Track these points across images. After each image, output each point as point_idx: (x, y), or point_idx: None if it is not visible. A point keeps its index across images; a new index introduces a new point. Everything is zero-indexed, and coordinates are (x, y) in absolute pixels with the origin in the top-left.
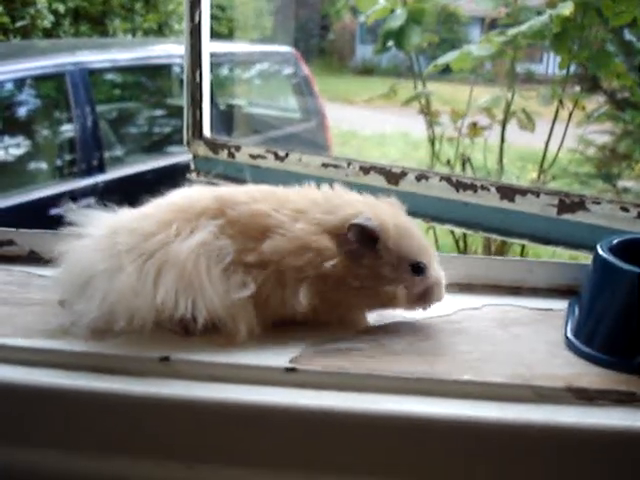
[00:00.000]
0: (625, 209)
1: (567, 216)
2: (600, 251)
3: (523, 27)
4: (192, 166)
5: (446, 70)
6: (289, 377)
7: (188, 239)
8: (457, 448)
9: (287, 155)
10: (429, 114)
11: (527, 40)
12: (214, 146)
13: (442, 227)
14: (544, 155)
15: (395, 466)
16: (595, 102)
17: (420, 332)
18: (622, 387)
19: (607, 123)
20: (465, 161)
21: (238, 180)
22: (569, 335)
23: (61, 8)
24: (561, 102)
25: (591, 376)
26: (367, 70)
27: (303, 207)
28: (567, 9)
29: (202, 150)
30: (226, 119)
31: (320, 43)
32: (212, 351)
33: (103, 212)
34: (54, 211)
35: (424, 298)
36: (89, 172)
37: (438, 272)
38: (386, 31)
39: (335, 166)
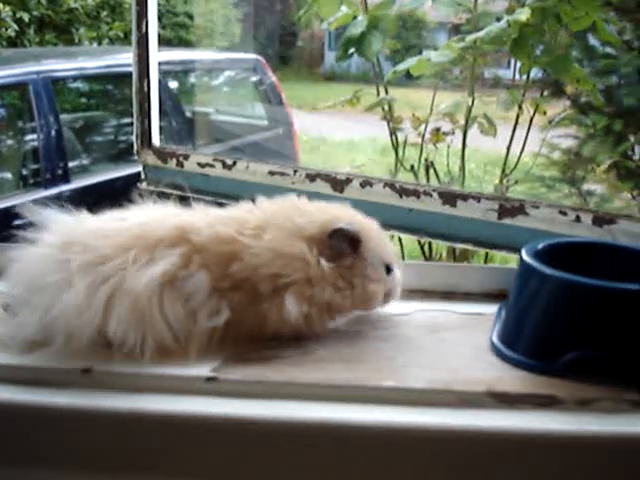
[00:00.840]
0: (563, 213)
1: (507, 220)
2: (524, 255)
3: (481, 33)
4: (142, 175)
5: (414, 77)
6: (210, 386)
7: (145, 270)
8: (378, 454)
9: (235, 163)
10: (392, 120)
11: (486, 46)
12: (163, 155)
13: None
14: (506, 159)
15: (315, 472)
16: (562, 106)
17: (346, 339)
18: (542, 390)
19: (573, 127)
20: (429, 167)
21: (188, 189)
22: (494, 339)
23: (25, 17)
24: (520, 107)
25: (513, 380)
26: (336, 77)
27: (264, 222)
28: (524, 15)
29: (151, 159)
30: (193, 127)
31: (289, 50)
32: (134, 362)
33: (62, 215)
34: (18, 222)
35: (389, 296)
36: (53, 182)
37: (398, 271)
38: (347, 38)
39: (282, 174)
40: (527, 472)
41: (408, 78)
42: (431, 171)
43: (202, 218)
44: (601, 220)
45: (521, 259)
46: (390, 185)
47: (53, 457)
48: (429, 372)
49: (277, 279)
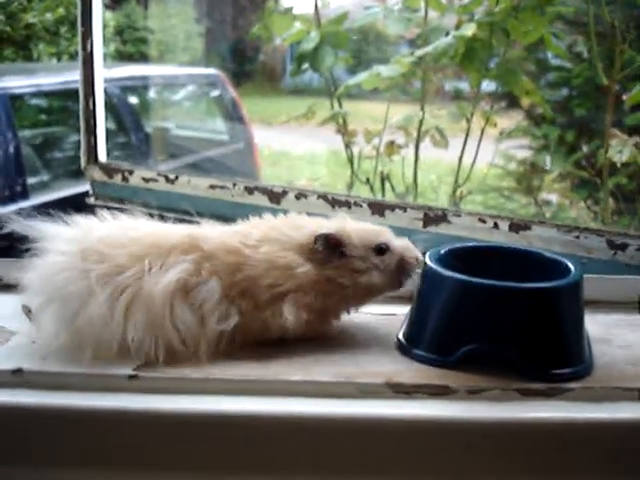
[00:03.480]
0: (483, 220)
1: (432, 228)
2: (426, 259)
3: (429, 48)
4: (90, 191)
5: (377, 89)
6: (132, 384)
7: (160, 277)
8: (286, 442)
9: (177, 178)
10: (346, 134)
11: (434, 61)
12: (109, 171)
13: None
14: (458, 171)
15: (233, 462)
16: (519, 118)
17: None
18: (437, 381)
19: (528, 138)
20: (384, 179)
21: (135, 203)
22: (400, 337)
23: None
24: (467, 120)
25: (412, 372)
26: (299, 91)
27: (263, 235)
28: (469, 30)
29: (98, 175)
30: (153, 142)
31: (252, 65)
32: (63, 362)
33: (62, 227)
34: None
35: (402, 266)
36: (12, 198)
37: (401, 241)
38: (300, 53)
39: (222, 187)
40: (420, 456)
41: (372, 91)
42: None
43: (210, 229)
44: (517, 226)
45: (424, 263)
46: (323, 197)
47: None
48: (336, 367)
49: (273, 288)
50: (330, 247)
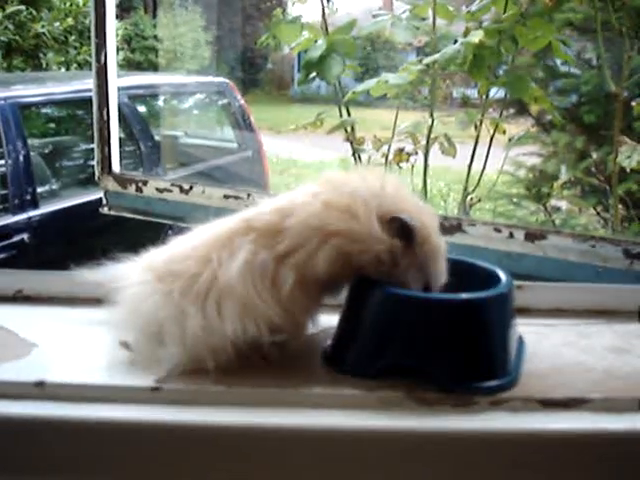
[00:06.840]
0: (498, 230)
1: (446, 238)
2: None
3: (437, 55)
4: (104, 201)
5: (385, 97)
6: (155, 395)
7: (231, 264)
8: (306, 454)
9: (191, 188)
10: (354, 142)
11: (442, 68)
12: (123, 181)
13: None
14: (467, 178)
15: (255, 474)
16: (529, 124)
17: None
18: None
19: (538, 144)
20: None
21: (148, 213)
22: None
23: None
24: (476, 127)
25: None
26: (307, 98)
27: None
28: (476, 37)
29: (112, 185)
30: (162, 151)
31: (260, 73)
32: (85, 374)
33: (129, 264)
34: None
35: (424, 283)
36: (22, 207)
37: (440, 266)
38: (307, 62)
39: (236, 197)
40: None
41: (380, 99)
42: None
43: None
44: (532, 236)
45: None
46: None
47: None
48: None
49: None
50: (398, 235)
